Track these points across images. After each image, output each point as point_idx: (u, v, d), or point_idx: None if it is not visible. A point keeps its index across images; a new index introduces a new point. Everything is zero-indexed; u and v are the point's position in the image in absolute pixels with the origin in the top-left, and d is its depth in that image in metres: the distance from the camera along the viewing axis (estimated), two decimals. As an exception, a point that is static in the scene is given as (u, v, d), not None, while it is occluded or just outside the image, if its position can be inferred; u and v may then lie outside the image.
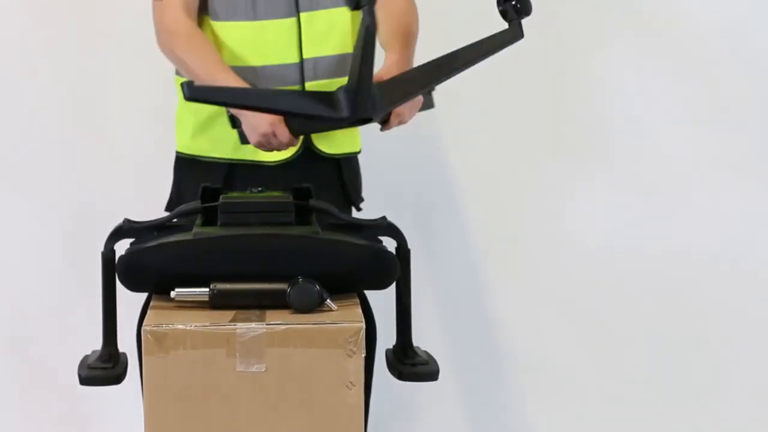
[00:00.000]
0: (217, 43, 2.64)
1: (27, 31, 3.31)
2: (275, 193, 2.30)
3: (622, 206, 3.42)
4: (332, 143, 2.70)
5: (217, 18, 2.64)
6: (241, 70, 2.59)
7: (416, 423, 3.48)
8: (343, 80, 2.61)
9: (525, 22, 2.37)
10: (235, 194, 2.27)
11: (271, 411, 2.05)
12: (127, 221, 2.27)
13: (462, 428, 3.48)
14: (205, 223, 2.26)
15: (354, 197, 2.78)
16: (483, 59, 2.40)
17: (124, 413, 3.31)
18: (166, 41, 2.60)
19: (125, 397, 3.13)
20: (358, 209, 2.79)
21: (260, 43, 2.62)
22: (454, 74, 2.42)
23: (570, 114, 3.39)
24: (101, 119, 3.34)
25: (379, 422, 3.25)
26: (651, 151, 3.41)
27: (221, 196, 2.24)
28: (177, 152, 2.76)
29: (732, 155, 3.42)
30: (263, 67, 2.63)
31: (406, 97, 2.46)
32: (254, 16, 2.62)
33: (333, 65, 2.67)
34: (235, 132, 2.55)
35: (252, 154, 2.64)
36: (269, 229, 2.18)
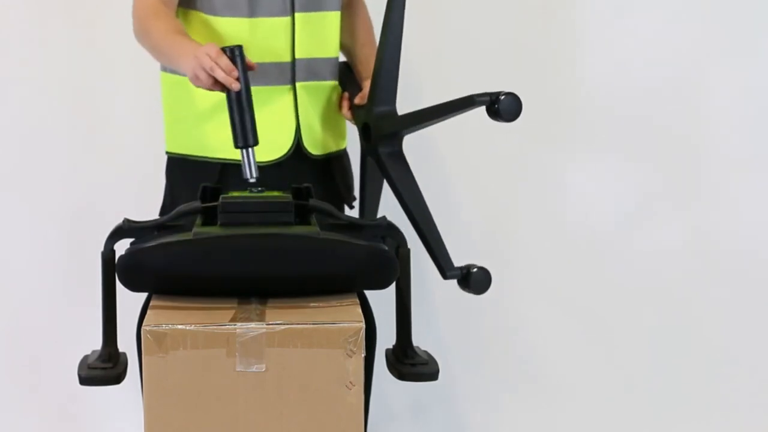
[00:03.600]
0: (210, 38, 2.57)
1: (26, 31, 3.31)
2: (275, 193, 2.29)
3: (620, 203, 3.42)
4: (318, 144, 2.67)
5: (213, 12, 2.59)
6: None
7: (416, 423, 3.47)
8: (332, 83, 2.61)
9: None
10: (235, 194, 2.27)
11: (271, 411, 2.05)
12: (127, 221, 2.27)
13: (462, 428, 3.48)
14: (205, 223, 2.26)
15: (345, 195, 2.76)
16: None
17: (124, 413, 3.31)
18: (136, 25, 2.56)
19: (125, 397, 3.14)
20: (351, 207, 2.77)
21: (254, 40, 2.57)
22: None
23: (569, 110, 3.39)
24: (101, 119, 3.34)
25: (379, 422, 3.24)
26: (654, 146, 3.41)
27: (221, 196, 2.24)
28: (167, 153, 2.71)
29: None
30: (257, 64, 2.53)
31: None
32: (251, 12, 2.58)
33: (323, 68, 2.65)
34: (226, 131, 2.45)
35: None
36: (269, 229, 2.18)
